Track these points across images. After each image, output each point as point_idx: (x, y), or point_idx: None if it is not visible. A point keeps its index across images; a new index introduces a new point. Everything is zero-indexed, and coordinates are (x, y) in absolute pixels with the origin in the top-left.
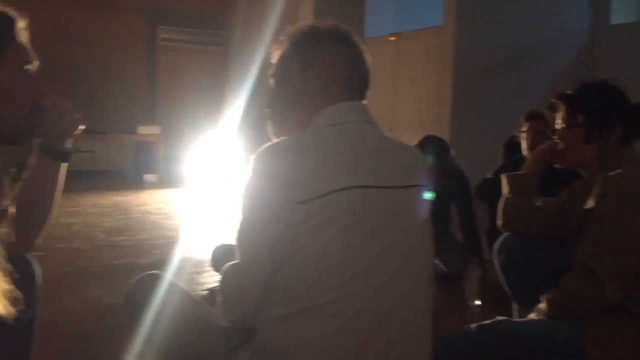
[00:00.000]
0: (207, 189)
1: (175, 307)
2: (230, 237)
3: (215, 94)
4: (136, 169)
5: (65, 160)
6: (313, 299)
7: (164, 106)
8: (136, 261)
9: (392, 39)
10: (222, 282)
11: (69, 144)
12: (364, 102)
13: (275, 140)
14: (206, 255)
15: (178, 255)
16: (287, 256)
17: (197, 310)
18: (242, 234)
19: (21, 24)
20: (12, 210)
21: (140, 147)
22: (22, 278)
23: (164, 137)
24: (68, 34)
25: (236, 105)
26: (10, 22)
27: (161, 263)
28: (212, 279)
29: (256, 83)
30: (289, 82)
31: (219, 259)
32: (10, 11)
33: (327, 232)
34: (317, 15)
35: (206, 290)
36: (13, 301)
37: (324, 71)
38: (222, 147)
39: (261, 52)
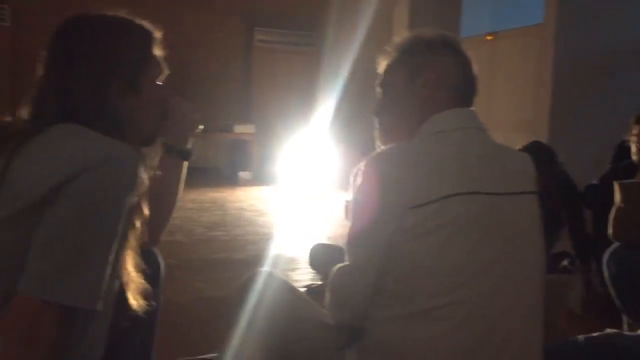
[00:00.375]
0: (299, 187)
1: (285, 303)
2: (324, 235)
3: (307, 93)
4: (231, 167)
5: (187, 159)
6: (422, 302)
7: (258, 105)
8: (232, 256)
9: (489, 38)
10: (332, 282)
11: (190, 143)
12: (472, 108)
13: (383, 147)
14: (299, 252)
15: (272, 251)
16: (397, 259)
17: (307, 308)
18: (353, 237)
19: (157, 36)
20: (146, 211)
21: (235, 146)
22: (150, 272)
23: (259, 136)
24: (173, 36)
25: (327, 105)
26: (148, 37)
27: (256, 259)
28: (305, 276)
29: (347, 83)
30: (396, 90)
31: (317, 258)
32: (146, 24)
33: (438, 237)
34: (412, 15)
35: (303, 287)
36: (145, 296)
37: (432, 79)
38: (314, 146)
39: (353, 52)
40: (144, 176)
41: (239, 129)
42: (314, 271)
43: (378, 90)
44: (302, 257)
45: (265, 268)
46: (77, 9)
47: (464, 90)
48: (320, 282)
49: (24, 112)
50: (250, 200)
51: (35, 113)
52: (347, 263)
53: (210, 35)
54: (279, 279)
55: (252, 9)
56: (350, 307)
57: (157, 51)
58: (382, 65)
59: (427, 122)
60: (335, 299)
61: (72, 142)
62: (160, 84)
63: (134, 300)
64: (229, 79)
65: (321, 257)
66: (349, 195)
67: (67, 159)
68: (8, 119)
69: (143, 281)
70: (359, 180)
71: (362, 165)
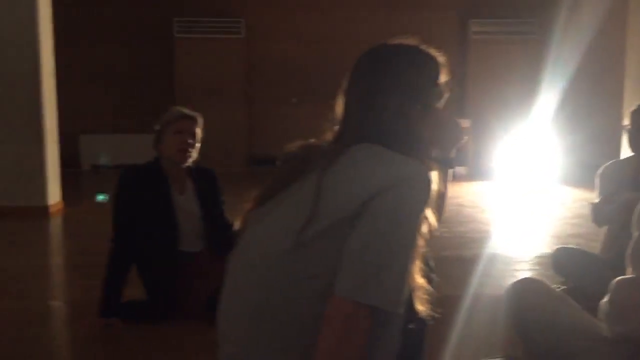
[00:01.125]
0: (517, 182)
1: (557, 313)
2: (546, 233)
3: (528, 84)
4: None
5: (452, 167)
6: None
7: (473, 99)
8: (458, 253)
9: None
10: (615, 294)
11: (454, 153)
12: None
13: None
14: (523, 251)
15: (496, 250)
16: None
17: (582, 319)
18: (637, 249)
19: (444, 63)
20: (433, 221)
21: None
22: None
23: (474, 130)
24: (390, 35)
25: (551, 97)
26: (438, 64)
27: (483, 257)
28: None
29: (576, 73)
30: None
31: (562, 262)
32: (434, 51)
33: None
34: None
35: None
36: (430, 302)
37: None
38: (535, 140)
39: (584, 40)
40: (434, 189)
41: None
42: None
43: None
44: (527, 256)
45: (534, 277)
46: (303, 23)
47: None
48: (562, 287)
49: (328, 135)
50: (468, 196)
51: (340, 135)
52: (631, 276)
53: (426, 32)
54: (546, 287)
55: (467, 1)
56: (631, 321)
57: (444, 76)
58: None
59: None
60: (616, 312)
61: (376, 162)
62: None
63: (421, 306)
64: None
65: (567, 262)
66: (594, 197)
67: (373, 178)
68: (312, 140)
69: (429, 287)
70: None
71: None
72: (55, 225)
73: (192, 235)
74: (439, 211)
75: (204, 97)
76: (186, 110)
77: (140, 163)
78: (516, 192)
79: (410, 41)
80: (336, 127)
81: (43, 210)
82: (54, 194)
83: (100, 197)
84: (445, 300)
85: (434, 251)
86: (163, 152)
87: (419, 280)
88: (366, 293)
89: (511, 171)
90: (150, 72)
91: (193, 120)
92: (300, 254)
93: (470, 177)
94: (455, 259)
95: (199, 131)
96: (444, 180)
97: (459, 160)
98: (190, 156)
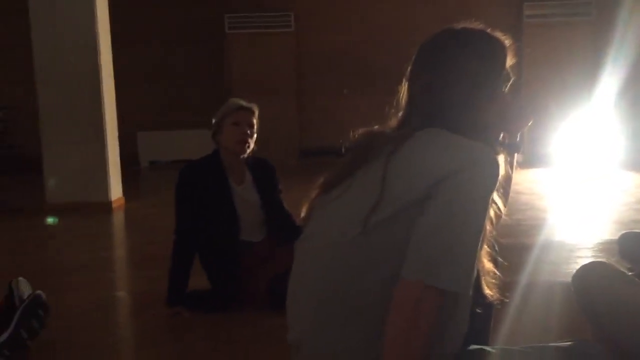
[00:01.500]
0: (576, 168)
1: (630, 295)
2: (609, 219)
3: (585, 68)
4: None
5: (517, 151)
6: None
7: (528, 83)
8: (519, 241)
9: None
10: None
11: (520, 136)
12: None
13: None
14: (585, 238)
15: (557, 237)
16: None
17: None
18: None
19: (509, 47)
20: (501, 205)
21: None
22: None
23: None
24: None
25: (612, 80)
26: (506, 48)
27: (543, 244)
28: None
29: (638, 55)
30: None
31: (629, 247)
32: (501, 35)
33: None
34: None
35: None
36: (497, 285)
37: None
38: (595, 125)
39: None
40: (501, 173)
41: None
42: (623, 260)
43: None
44: (589, 243)
45: (601, 259)
46: (342, 16)
47: None
48: (630, 273)
49: (392, 122)
50: (525, 182)
51: (403, 119)
52: None
53: (479, 16)
54: (616, 269)
55: None
56: None
57: (510, 60)
58: None
59: None
60: None
61: (445, 146)
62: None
63: (488, 290)
64: None
65: (634, 247)
66: None
67: (441, 162)
68: (376, 127)
69: (496, 271)
70: None
71: None
72: (117, 220)
73: (252, 225)
74: (505, 196)
75: (255, 91)
76: (243, 102)
77: (199, 158)
78: (575, 178)
79: (475, 25)
80: (400, 114)
81: (106, 206)
82: (115, 190)
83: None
84: (506, 287)
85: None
86: (222, 144)
87: (487, 264)
88: (436, 276)
89: (570, 157)
90: (203, 69)
91: (250, 111)
92: (367, 239)
93: (527, 163)
94: (515, 246)
95: (255, 122)
96: (510, 164)
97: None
98: (248, 147)
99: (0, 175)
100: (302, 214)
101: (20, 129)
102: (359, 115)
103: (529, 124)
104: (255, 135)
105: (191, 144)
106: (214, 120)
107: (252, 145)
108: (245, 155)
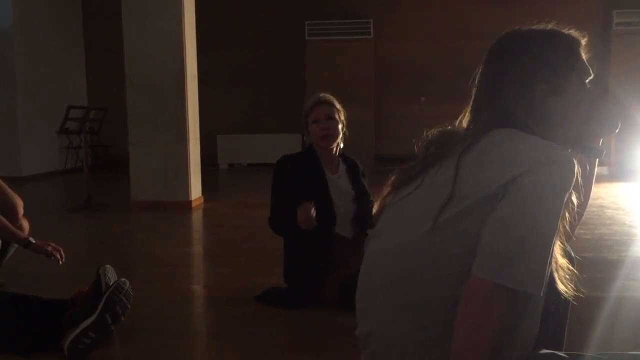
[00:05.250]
0: None
1: None
2: None
3: None
4: None
5: (599, 157)
6: None
7: (616, 94)
8: (602, 256)
9: None
10: None
11: (602, 142)
12: None
13: None
14: None
15: None
16: None
17: None
18: None
19: (583, 42)
20: (575, 203)
21: None
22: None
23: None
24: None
25: None
26: (573, 44)
27: (628, 260)
28: None
29: None
30: None
31: None
32: (573, 32)
33: None
34: None
35: None
36: (571, 282)
37: None
38: None
39: None
40: (578, 175)
41: None
42: None
43: None
44: None
45: None
46: (425, 20)
47: None
48: None
49: (465, 120)
50: (610, 197)
51: (474, 120)
52: None
53: (566, 24)
54: None
55: None
56: None
57: (584, 56)
58: None
59: None
60: None
61: (515, 145)
62: (589, 87)
63: (562, 286)
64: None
65: None
66: None
67: (514, 160)
68: (449, 127)
69: (571, 268)
70: None
71: None
72: (197, 218)
73: (345, 216)
74: (585, 199)
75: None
76: (320, 96)
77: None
78: None
79: (546, 26)
80: (472, 115)
81: (186, 205)
82: (195, 190)
83: None
84: (589, 302)
85: (575, 252)
86: (311, 141)
87: (561, 260)
88: (505, 275)
89: None
90: (283, 74)
91: (327, 104)
92: (438, 235)
93: (612, 177)
94: (598, 260)
95: (337, 111)
96: (591, 169)
97: (604, 149)
98: (333, 137)
99: (95, 172)
100: (374, 211)
101: (113, 129)
102: (435, 123)
103: (616, 131)
104: (340, 125)
105: (269, 148)
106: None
107: (338, 135)
108: (334, 146)
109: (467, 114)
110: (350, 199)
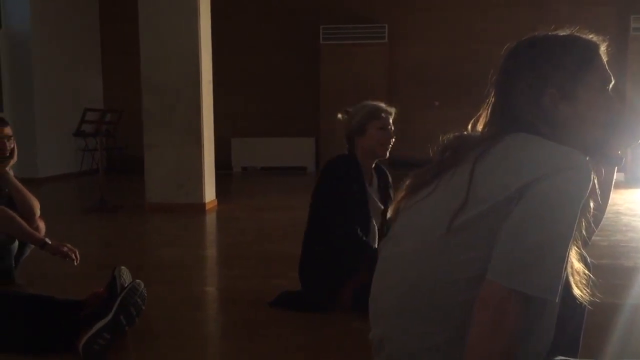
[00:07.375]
0: None
1: None
2: None
3: None
4: None
5: (618, 165)
6: None
7: (633, 99)
8: (619, 263)
9: None
10: None
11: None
12: None
13: None
14: None
15: None
16: None
17: None
18: None
19: (603, 47)
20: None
21: None
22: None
23: None
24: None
25: None
26: (587, 49)
27: None
28: None
29: None
30: None
31: None
32: (590, 37)
33: None
34: None
35: None
36: (588, 287)
37: None
38: None
39: None
40: (594, 181)
41: None
42: None
43: None
44: None
45: None
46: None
47: None
48: None
49: (480, 124)
50: (626, 203)
51: (488, 125)
52: None
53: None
54: None
55: None
56: None
57: (602, 61)
58: None
59: None
60: None
61: (531, 150)
62: (610, 94)
63: (578, 291)
64: None
65: None
66: None
67: (530, 165)
68: (464, 132)
69: (587, 272)
70: None
71: None
72: (210, 221)
73: (375, 229)
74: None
75: (347, 101)
76: (386, 106)
77: (340, 155)
78: None
79: (563, 31)
80: (487, 120)
81: (200, 207)
82: (209, 193)
83: None
84: (606, 309)
85: (591, 258)
86: (363, 144)
87: (577, 265)
88: (520, 280)
89: None
90: (297, 79)
91: (391, 116)
92: (452, 240)
93: (628, 183)
94: (614, 267)
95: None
96: (610, 177)
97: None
98: (388, 151)
99: (110, 174)
100: (389, 215)
101: (129, 132)
102: (449, 128)
103: (638, 142)
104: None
105: (282, 152)
106: (353, 120)
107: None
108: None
109: (481, 117)
110: (379, 213)
